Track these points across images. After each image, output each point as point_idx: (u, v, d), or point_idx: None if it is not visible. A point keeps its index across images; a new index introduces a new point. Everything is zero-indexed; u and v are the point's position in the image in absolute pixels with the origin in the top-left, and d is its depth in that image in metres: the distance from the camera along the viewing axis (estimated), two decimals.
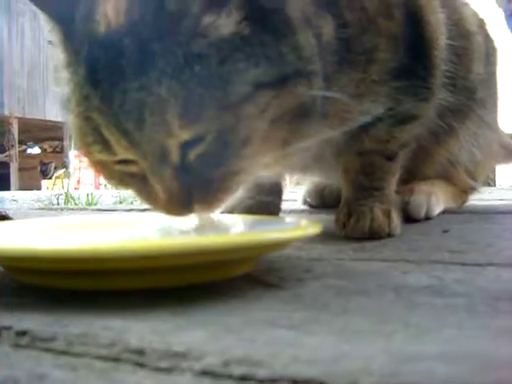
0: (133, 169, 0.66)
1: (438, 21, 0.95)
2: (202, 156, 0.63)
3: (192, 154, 0.63)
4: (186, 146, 0.63)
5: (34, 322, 0.46)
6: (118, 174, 0.69)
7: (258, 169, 0.73)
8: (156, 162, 0.63)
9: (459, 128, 1.18)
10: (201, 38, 0.62)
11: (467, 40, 1.16)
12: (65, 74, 0.68)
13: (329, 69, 0.76)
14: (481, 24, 1.28)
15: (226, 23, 0.63)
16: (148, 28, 0.61)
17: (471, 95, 1.19)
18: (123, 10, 0.61)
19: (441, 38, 0.96)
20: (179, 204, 0.65)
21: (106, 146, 0.64)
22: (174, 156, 0.63)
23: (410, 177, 1.16)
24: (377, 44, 0.85)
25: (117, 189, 0.72)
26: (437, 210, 1.17)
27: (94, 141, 0.64)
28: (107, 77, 0.61)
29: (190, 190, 0.64)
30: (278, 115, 0.66)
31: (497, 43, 1.32)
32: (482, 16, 1.29)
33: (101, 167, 0.70)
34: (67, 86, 0.67)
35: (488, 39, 1.30)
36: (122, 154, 0.64)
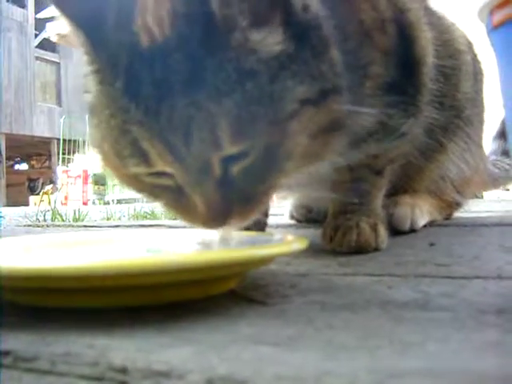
0: (166, 181, 0.66)
1: (426, 38, 0.96)
2: (245, 170, 0.64)
3: (235, 168, 0.64)
4: (229, 160, 0.63)
5: (17, 341, 0.46)
6: (149, 186, 0.69)
7: (290, 183, 0.75)
8: (198, 175, 0.63)
9: (448, 144, 1.20)
10: (251, 55, 0.62)
11: (456, 59, 1.19)
12: (92, 81, 0.66)
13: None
14: (469, 44, 1.30)
15: (274, 40, 0.63)
16: (197, 42, 0.60)
17: (459, 113, 1.21)
18: (167, 23, 0.60)
19: (429, 56, 0.97)
20: (218, 217, 0.65)
21: (144, 159, 0.63)
22: (216, 169, 0.63)
23: (401, 192, 1.17)
24: (372, 58, 0.85)
25: (147, 200, 0.72)
26: (421, 221, 1.18)
27: (132, 154, 0.64)
28: (153, 91, 0.60)
29: (230, 204, 0.65)
30: (315, 131, 0.67)
31: (484, 63, 1.34)
32: (469, 37, 1.31)
33: (132, 180, 0.69)
34: (94, 95, 0.67)
35: (476, 59, 1.32)
36: (161, 167, 0.64)
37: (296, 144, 0.66)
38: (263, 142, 0.63)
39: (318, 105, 0.66)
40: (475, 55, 1.32)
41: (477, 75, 1.31)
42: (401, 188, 1.18)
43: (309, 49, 0.66)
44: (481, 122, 1.35)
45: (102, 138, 0.66)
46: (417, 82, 0.94)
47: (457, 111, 1.20)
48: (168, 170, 0.64)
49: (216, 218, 0.65)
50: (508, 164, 1.59)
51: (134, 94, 0.62)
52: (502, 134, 1.68)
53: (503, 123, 1.66)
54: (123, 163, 0.65)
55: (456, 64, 1.18)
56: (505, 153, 1.64)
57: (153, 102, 0.61)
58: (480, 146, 1.38)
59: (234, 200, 0.65)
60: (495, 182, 1.55)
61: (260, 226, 1.07)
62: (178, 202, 0.67)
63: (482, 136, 1.38)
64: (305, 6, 0.67)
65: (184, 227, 0.74)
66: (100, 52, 0.65)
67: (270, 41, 0.63)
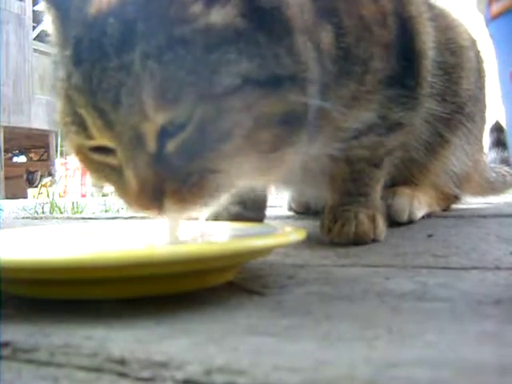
0: (111, 160, 0.65)
1: (427, 32, 0.96)
2: (181, 147, 0.62)
3: (170, 144, 0.62)
4: (164, 135, 0.61)
5: (16, 332, 0.46)
6: (97, 164, 0.67)
7: (239, 175, 0.69)
8: (131, 147, 0.61)
9: (451, 138, 1.20)
10: (186, 24, 0.61)
11: (459, 56, 1.19)
12: (55, 56, 0.68)
13: (328, 79, 0.76)
14: (473, 41, 1.31)
15: (218, 13, 0.63)
16: (135, 10, 0.60)
17: (461, 109, 1.21)
18: None
19: (430, 49, 0.97)
20: (150, 196, 0.62)
21: (82, 127, 0.63)
22: (151, 144, 0.61)
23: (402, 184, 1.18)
24: (372, 53, 0.85)
25: (97, 182, 0.70)
26: (419, 213, 1.18)
27: (73, 121, 0.64)
28: (89, 55, 0.61)
29: (162, 183, 0.62)
30: (263, 117, 0.64)
31: (487, 59, 1.34)
32: (473, 34, 1.31)
33: (80, 155, 0.68)
34: (56, 69, 0.67)
35: (479, 56, 1.33)
36: (98, 137, 0.63)
37: (236, 123, 0.63)
38: (198, 114, 0.61)
39: (267, 89, 0.64)
40: (478, 52, 1.33)
41: (480, 72, 1.31)
42: (404, 183, 1.18)
43: (266, 32, 0.65)
44: (482, 119, 1.36)
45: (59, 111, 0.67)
46: (417, 74, 0.94)
47: (459, 107, 1.20)
48: (105, 141, 0.63)
49: (147, 196, 0.62)
50: (506, 171, 1.60)
51: (77, 60, 0.62)
52: (498, 143, 1.69)
53: (497, 130, 1.67)
54: (67, 132, 0.66)
55: (458, 60, 1.18)
56: (503, 161, 1.64)
57: (88, 65, 0.61)
58: (480, 144, 1.39)
59: (168, 179, 0.62)
60: (493, 186, 1.54)
61: (259, 216, 1.07)
62: (120, 182, 0.65)
63: (483, 134, 1.39)
64: None
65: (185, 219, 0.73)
66: (62, 27, 0.67)
67: (211, 12, 0.62)
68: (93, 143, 0.64)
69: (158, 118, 0.60)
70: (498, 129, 1.67)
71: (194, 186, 0.64)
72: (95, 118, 0.61)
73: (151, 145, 0.61)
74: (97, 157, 0.66)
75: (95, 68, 0.60)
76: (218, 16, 0.63)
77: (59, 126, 0.68)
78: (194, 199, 0.65)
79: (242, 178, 0.71)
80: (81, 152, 0.68)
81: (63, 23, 0.67)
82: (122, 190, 0.65)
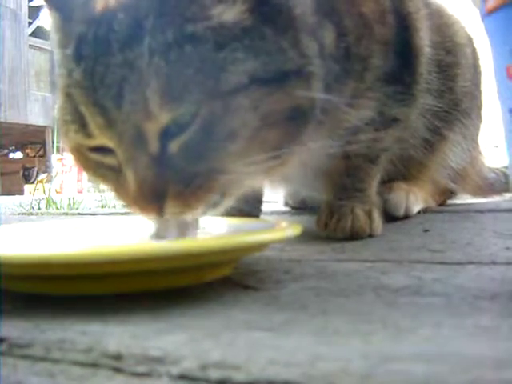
0: (109, 160, 0.63)
1: (425, 29, 0.97)
2: (184, 147, 0.60)
3: (173, 144, 0.60)
4: (167, 135, 0.59)
5: (12, 328, 0.46)
6: (94, 163, 0.66)
7: (245, 175, 0.67)
8: (132, 147, 0.60)
9: (448, 133, 1.21)
10: (198, 21, 0.60)
11: (457, 53, 1.21)
12: (56, 55, 0.66)
13: (330, 78, 0.75)
14: (469, 38, 1.32)
15: (230, 11, 0.62)
16: (144, 6, 0.59)
17: (457, 105, 1.22)
18: None
19: (426, 46, 0.97)
20: (150, 198, 0.60)
21: (82, 125, 0.62)
22: (153, 144, 0.60)
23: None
24: (372, 51, 0.85)
25: (93, 182, 0.69)
26: (416, 208, 1.19)
27: (73, 120, 0.62)
28: (92, 51, 0.60)
29: (164, 185, 0.60)
30: (270, 115, 0.63)
31: (483, 56, 1.35)
32: (469, 31, 1.32)
33: (77, 154, 0.67)
34: (56, 67, 0.66)
35: (475, 53, 1.34)
36: (98, 136, 0.61)
37: (242, 124, 0.61)
38: (202, 113, 0.59)
39: (273, 86, 0.63)
40: (475, 49, 1.33)
41: (476, 69, 1.32)
42: (400, 178, 1.19)
43: (271, 25, 0.64)
44: (479, 116, 1.37)
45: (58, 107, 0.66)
46: (414, 71, 0.95)
47: (455, 103, 1.21)
48: (105, 141, 0.61)
49: (148, 198, 0.60)
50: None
51: (78, 56, 0.61)
52: None
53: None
54: (67, 130, 0.64)
55: (454, 58, 1.19)
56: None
57: (90, 61, 0.60)
58: (477, 140, 1.40)
59: (170, 181, 0.60)
60: (491, 186, 1.54)
61: (254, 211, 1.07)
62: (118, 182, 0.64)
63: (479, 132, 1.39)
64: None
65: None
66: (65, 23, 0.65)
67: (226, 11, 0.62)
68: (92, 143, 0.63)
69: (162, 117, 0.58)
70: None
71: (198, 189, 0.62)
72: (96, 116, 0.60)
73: (153, 145, 0.60)
74: (95, 157, 0.65)
75: (98, 64, 0.59)
76: (231, 14, 0.62)
77: (58, 124, 0.67)
78: (198, 202, 0.63)
79: (247, 178, 0.69)
80: (79, 151, 0.66)
81: (65, 24, 0.66)
82: (121, 190, 0.64)
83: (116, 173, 0.63)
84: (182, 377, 0.35)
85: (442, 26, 1.17)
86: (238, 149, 0.62)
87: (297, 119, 0.67)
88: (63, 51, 0.64)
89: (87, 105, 0.60)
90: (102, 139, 0.61)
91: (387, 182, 1.12)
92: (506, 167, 1.57)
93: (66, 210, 2.18)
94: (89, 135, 0.62)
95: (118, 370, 0.37)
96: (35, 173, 13.12)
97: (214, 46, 0.60)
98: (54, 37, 0.68)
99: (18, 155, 15.44)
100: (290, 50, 0.65)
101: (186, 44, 0.59)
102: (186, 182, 0.61)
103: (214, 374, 0.34)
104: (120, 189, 0.64)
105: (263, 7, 0.64)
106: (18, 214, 1.99)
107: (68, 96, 0.62)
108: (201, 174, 0.62)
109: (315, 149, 0.81)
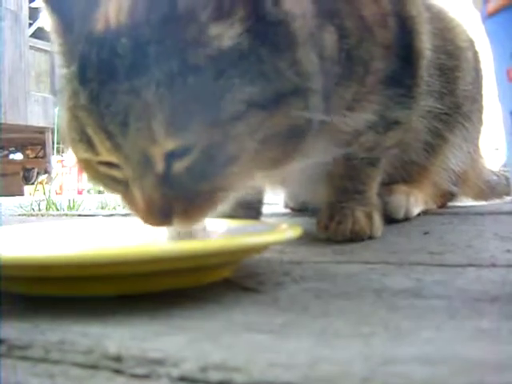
0: (117, 173, 0.65)
1: (426, 32, 0.97)
2: (188, 169, 0.62)
3: (177, 166, 0.62)
4: (171, 157, 0.61)
5: (11, 329, 0.46)
6: (102, 175, 0.68)
7: (244, 186, 0.71)
8: (138, 168, 0.62)
9: (449, 136, 1.21)
10: (201, 48, 0.60)
11: (458, 57, 1.20)
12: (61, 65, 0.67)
13: (330, 82, 0.75)
14: (471, 41, 1.31)
15: (229, 34, 0.62)
16: (150, 30, 0.59)
17: (458, 108, 1.22)
18: (125, 10, 0.60)
19: (427, 49, 0.97)
20: (158, 215, 0.63)
21: (90, 145, 0.63)
22: (158, 165, 0.62)
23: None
24: (373, 54, 0.85)
25: (100, 189, 0.71)
26: (416, 210, 1.18)
27: (80, 139, 0.63)
28: (97, 75, 0.60)
29: (170, 202, 0.63)
30: (269, 137, 0.64)
31: (484, 59, 1.34)
32: (471, 34, 1.32)
33: (86, 166, 0.69)
34: (62, 78, 0.67)
35: (477, 57, 1.33)
36: (106, 155, 0.63)
37: (241, 149, 0.63)
38: (204, 141, 0.61)
39: (269, 109, 0.64)
40: (476, 52, 1.33)
41: (477, 72, 1.32)
42: (401, 180, 1.19)
43: (267, 46, 0.64)
44: (480, 119, 1.36)
45: (64, 121, 0.66)
46: (415, 74, 0.94)
47: (456, 106, 1.21)
48: (113, 159, 0.63)
49: (155, 215, 0.63)
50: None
51: (83, 78, 0.61)
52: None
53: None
54: (75, 147, 0.65)
55: (456, 62, 1.19)
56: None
57: (96, 86, 0.60)
58: (478, 143, 1.39)
59: (176, 199, 0.63)
60: (492, 189, 1.53)
61: (254, 213, 1.07)
62: (126, 195, 0.66)
63: (480, 135, 1.39)
64: (277, 0, 0.65)
65: None
66: (67, 36, 0.66)
67: (226, 35, 0.62)
68: (100, 158, 0.64)
69: (166, 144, 0.60)
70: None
71: (201, 204, 0.65)
72: (103, 140, 0.61)
73: (159, 166, 0.62)
74: (104, 169, 0.66)
75: (104, 89, 0.59)
76: (229, 38, 0.62)
77: (67, 140, 0.68)
78: (202, 214, 0.67)
79: (247, 189, 0.74)
80: (88, 164, 0.68)
81: (66, 34, 0.66)
82: (130, 203, 0.66)
83: (125, 185, 0.65)
84: (182, 379, 0.35)
85: (444, 29, 1.17)
86: (238, 169, 0.64)
87: (295, 136, 0.68)
88: (65, 62, 0.66)
89: (94, 128, 0.61)
90: (109, 157, 0.63)
91: (387, 184, 1.12)
92: (504, 166, 1.57)
93: (66, 211, 2.18)
94: (97, 153, 0.63)
95: (117, 372, 0.37)
96: (35, 174, 13.11)
97: (213, 74, 0.60)
98: (55, 40, 0.68)
99: (18, 156, 15.43)
100: (287, 70, 0.65)
101: (188, 75, 0.59)
102: (190, 200, 0.64)
103: (214, 376, 0.34)
104: (129, 201, 0.66)
105: (259, 25, 0.64)
106: (18, 215, 1.99)
107: (75, 116, 0.63)
108: (204, 191, 0.64)
109: (315, 155, 0.81)
